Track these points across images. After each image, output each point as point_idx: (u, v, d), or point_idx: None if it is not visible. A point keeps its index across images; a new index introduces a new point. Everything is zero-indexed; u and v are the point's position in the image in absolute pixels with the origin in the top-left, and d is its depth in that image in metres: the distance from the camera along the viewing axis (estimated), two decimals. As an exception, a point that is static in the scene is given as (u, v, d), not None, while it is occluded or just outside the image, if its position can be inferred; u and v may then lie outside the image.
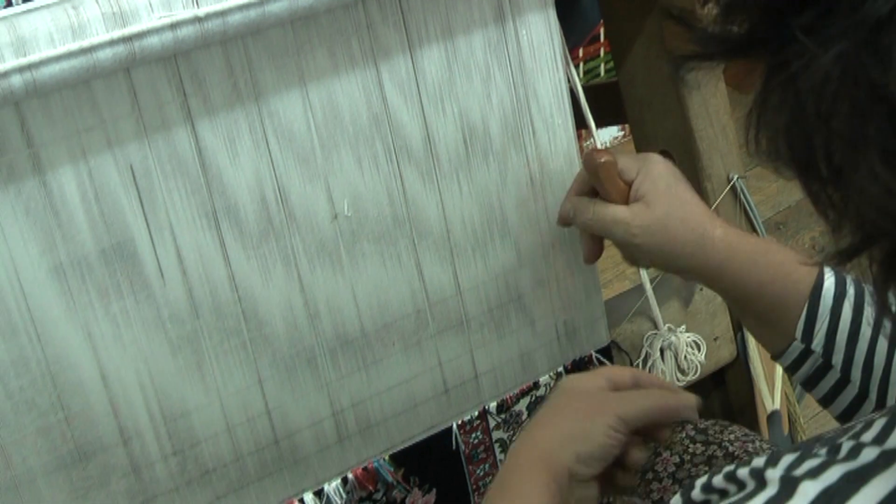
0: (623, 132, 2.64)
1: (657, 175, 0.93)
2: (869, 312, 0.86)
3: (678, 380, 1.18)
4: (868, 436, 0.50)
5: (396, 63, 0.90)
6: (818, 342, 0.87)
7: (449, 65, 0.92)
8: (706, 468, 1.03)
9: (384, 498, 1.01)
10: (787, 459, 0.53)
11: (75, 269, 0.81)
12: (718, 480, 0.57)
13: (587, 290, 1.07)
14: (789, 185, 2.50)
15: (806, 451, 0.53)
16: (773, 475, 0.53)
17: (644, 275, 1.15)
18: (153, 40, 0.75)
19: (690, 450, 1.06)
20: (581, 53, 2.39)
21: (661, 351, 1.16)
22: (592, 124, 1.08)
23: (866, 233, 0.45)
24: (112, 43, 0.74)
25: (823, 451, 0.52)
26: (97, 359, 0.84)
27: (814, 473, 0.50)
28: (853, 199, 0.44)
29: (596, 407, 0.83)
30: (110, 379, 0.85)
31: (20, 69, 0.71)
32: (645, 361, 1.16)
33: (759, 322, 0.93)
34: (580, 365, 1.09)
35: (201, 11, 0.76)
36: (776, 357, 0.92)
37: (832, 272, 0.89)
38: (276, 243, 0.88)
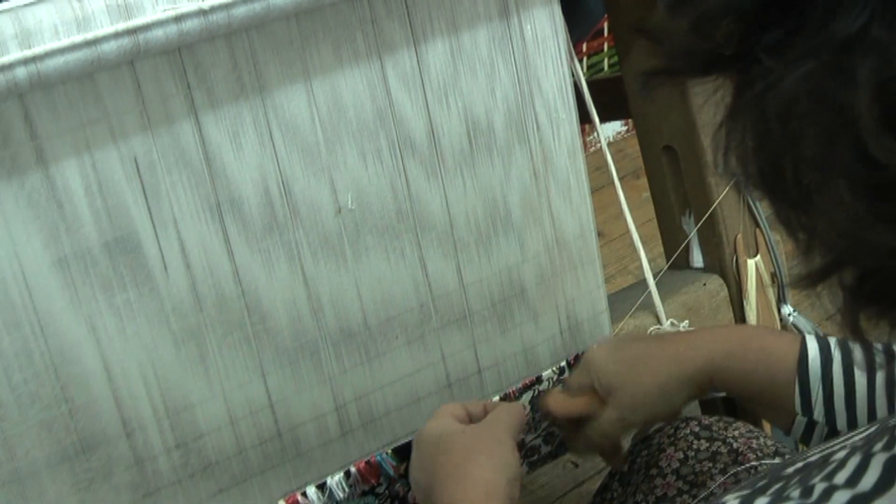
0: (626, 127, 2.64)
1: (601, 364, 0.97)
2: (859, 372, 0.87)
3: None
4: (841, 477, 0.49)
5: (401, 57, 0.90)
6: (818, 412, 0.88)
7: (453, 59, 0.92)
8: (710, 464, 1.03)
9: (386, 492, 1.01)
10: None
11: (79, 261, 0.81)
12: None
13: (590, 284, 1.07)
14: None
15: (778, 496, 0.52)
16: None
17: (647, 269, 1.14)
18: (157, 33, 0.75)
19: (695, 446, 1.06)
20: (585, 48, 2.39)
21: (665, 346, 1.16)
22: (596, 119, 1.08)
23: (835, 258, 0.44)
24: (116, 35, 0.74)
25: (797, 493, 0.51)
26: (100, 351, 0.84)
27: None
28: (821, 225, 0.43)
29: (488, 436, 0.89)
30: (113, 372, 0.85)
31: (24, 61, 0.71)
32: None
33: (762, 406, 0.95)
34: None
35: (206, 4, 0.76)
36: (788, 433, 0.93)
37: (814, 340, 0.90)
38: (279, 237, 0.88)
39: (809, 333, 1.03)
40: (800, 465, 0.59)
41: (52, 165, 0.78)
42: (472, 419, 0.94)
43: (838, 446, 0.59)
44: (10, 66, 0.71)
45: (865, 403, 0.86)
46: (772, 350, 0.91)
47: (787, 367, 0.89)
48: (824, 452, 0.59)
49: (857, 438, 0.59)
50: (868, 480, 0.47)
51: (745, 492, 0.57)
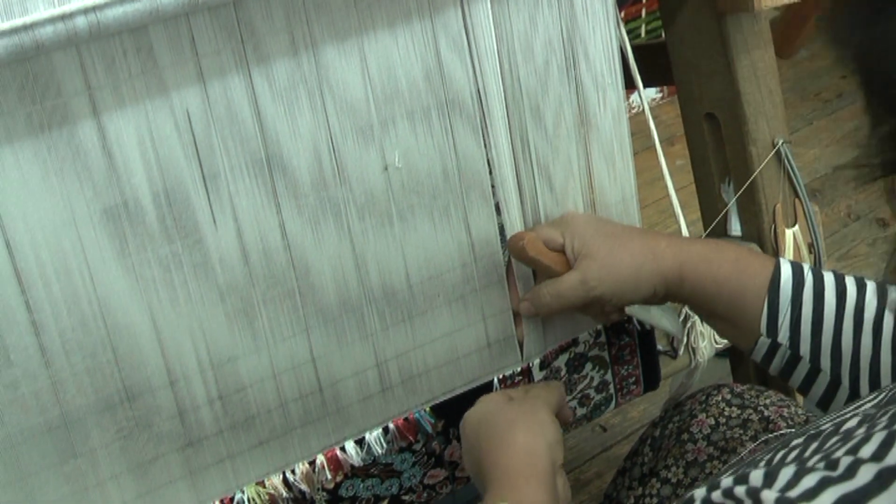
0: (661, 94, 2.63)
1: (581, 227, 0.95)
2: (830, 300, 0.86)
3: (716, 342, 1.18)
4: (866, 451, 0.50)
5: (450, 18, 0.90)
6: (783, 335, 0.88)
7: (503, 22, 0.92)
8: (741, 431, 1.04)
9: (424, 449, 1.02)
10: (784, 477, 0.53)
11: (128, 211, 0.82)
12: (717, 496, 0.58)
13: (630, 250, 1.07)
14: (827, 152, 2.49)
15: (803, 469, 0.53)
16: (768, 497, 0.53)
17: (686, 235, 1.14)
18: (216, -14, 0.75)
19: (726, 413, 1.07)
20: (623, 14, 2.38)
21: (700, 314, 1.16)
22: (640, 84, 1.07)
23: None
24: (176, -13, 0.74)
25: (822, 464, 0.52)
26: (147, 301, 0.85)
27: (808, 496, 0.50)
28: None
29: (526, 409, 0.90)
30: (159, 322, 0.86)
31: (84, 11, 0.71)
32: (684, 322, 1.16)
33: (725, 322, 0.93)
34: (619, 324, 1.10)
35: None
36: (749, 354, 0.93)
37: (788, 263, 0.89)
38: (326, 193, 0.89)
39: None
40: (812, 431, 0.60)
41: (105, 115, 0.79)
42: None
43: (849, 414, 0.59)
44: (70, 16, 0.71)
45: (832, 332, 0.86)
46: (746, 264, 0.90)
47: (758, 283, 0.89)
48: (836, 421, 0.59)
49: (867, 406, 0.59)
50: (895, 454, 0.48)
51: (763, 463, 0.57)
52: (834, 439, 0.56)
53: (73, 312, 0.82)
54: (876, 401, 0.61)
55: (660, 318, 1.03)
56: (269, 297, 0.89)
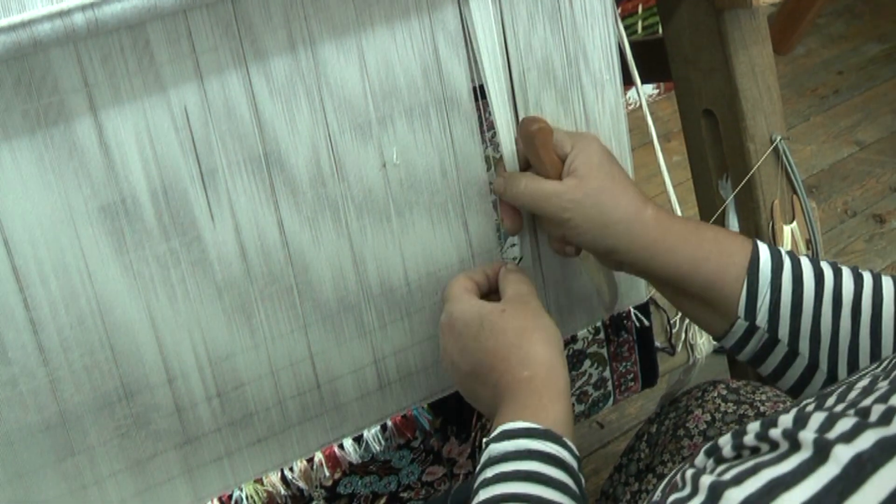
0: (658, 90, 2.63)
1: (591, 151, 0.92)
2: (809, 283, 0.86)
3: (713, 341, 1.18)
4: None
5: (448, 16, 0.90)
6: (762, 317, 0.87)
7: (501, 19, 0.92)
8: (736, 427, 1.04)
9: (422, 446, 1.02)
10: (816, 420, 0.54)
11: (126, 208, 0.82)
12: (750, 440, 0.58)
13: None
14: (824, 149, 2.49)
15: (833, 414, 0.53)
16: (806, 437, 0.53)
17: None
18: (214, -17, 0.75)
19: (722, 409, 1.07)
20: (619, 10, 2.37)
21: (698, 310, 1.16)
22: (638, 81, 1.07)
23: None
24: (174, -16, 0.74)
25: (852, 411, 0.52)
26: (145, 299, 0.85)
27: (847, 438, 0.51)
28: None
29: (528, 312, 0.88)
30: (157, 319, 0.86)
31: (83, 7, 0.71)
32: (682, 319, 1.16)
33: (698, 303, 0.91)
34: (618, 321, 1.10)
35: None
36: (719, 339, 0.91)
37: (766, 246, 0.88)
38: (325, 190, 0.89)
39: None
40: (822, 392, 0.60)
41: (102, 112, 0.79)
42: (480, 288, 0.93)
43: (856, 377, 0.59)
44: (68, 13, 0.71)
45: (811, 315, 0.85)
46: (725, 244, 0.89)
47: (736, 262, 0.87)
48: (845, 383, 0.60)
49: (877, 371, 0.60)
50: None
51: (789, 410, 0.58)
52: (853, 394, 0.56)
53: (71, 310, 0.82)
54: (881, 367, 0.62)
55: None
56: (266, 294, 0.89)
